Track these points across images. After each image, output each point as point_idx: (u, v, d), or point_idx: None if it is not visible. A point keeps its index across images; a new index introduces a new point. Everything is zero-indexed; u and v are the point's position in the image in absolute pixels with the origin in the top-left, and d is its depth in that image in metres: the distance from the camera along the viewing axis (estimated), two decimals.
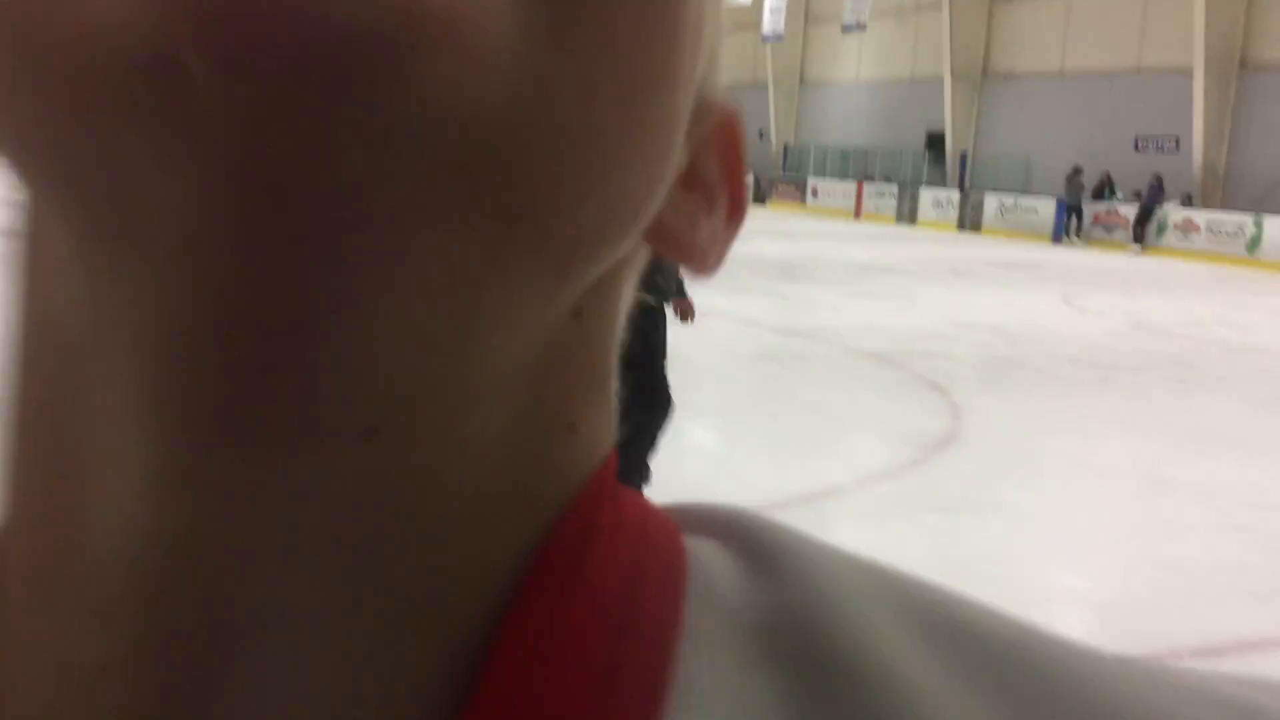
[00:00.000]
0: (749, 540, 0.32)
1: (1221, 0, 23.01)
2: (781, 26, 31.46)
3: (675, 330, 9.89)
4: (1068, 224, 23.93)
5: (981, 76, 29.60)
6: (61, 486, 0.24)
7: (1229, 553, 4.59)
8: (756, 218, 27.92)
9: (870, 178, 30.61)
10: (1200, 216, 21.91)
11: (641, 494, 0.30)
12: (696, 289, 12.68)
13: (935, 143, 30.26)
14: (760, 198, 34.07)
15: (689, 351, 8.66)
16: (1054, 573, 4.40)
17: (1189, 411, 7.52)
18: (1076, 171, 23.85)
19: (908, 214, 28.31)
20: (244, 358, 0.21)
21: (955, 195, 27.30)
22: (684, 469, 5.36)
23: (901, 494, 5.25)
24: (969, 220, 26.59)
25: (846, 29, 28.84)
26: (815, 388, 7.57)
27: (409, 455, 0.23)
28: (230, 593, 0.23)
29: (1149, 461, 6.00)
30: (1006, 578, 4.21)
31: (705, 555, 0.30)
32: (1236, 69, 23.48)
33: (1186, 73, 23.67)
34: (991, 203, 26.28)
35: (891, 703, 0.26)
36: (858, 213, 29.75)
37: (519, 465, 0.26)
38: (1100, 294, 14.47)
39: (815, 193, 31.77)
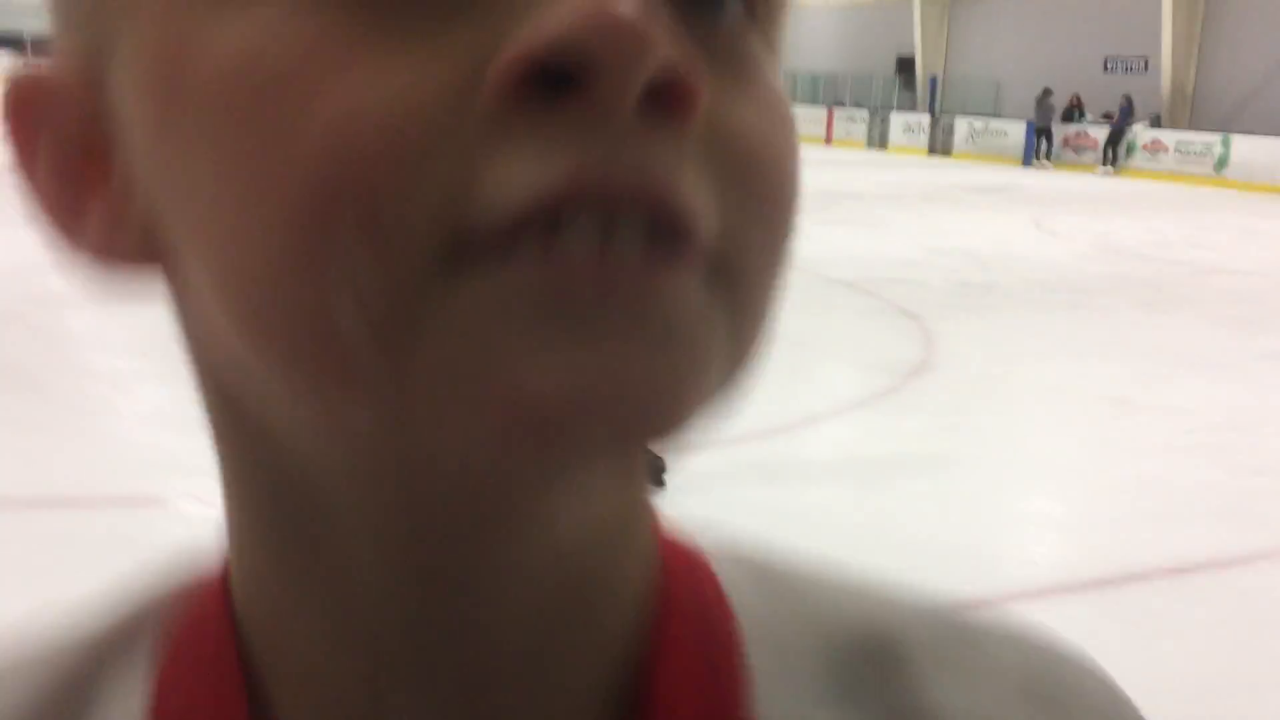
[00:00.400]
0: (765, 568, 0.38)
1: None
2: None
3: None
4: (1038, 147, 23.94)
5: None
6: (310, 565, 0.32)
7: (1197, 473, 4.70)
8: None
9: (841, 103, 30.43)
10: (1168, 137, 21.98)
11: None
12: None
13: (905, 67, 30.08)
14: None
15: None
16: (1027, 497, 4.50)
17: (1157, 333, 7.63)
18: (1046, 94, 23.81)
19: (878, 139, 28.22)
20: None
21: (926, 120, 27.22)
22: None
23: (876, 422, 5.33)
24: (940, 144, 26.55)
25: None
26: (790, 317, 7.52)
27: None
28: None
29: (1119, 384, 6.11)
30: (979, 502, 4.31)
31: (735, 585, 0.36)
32: None
33: None
34: (962, 126, 26.23)
35: None
36: (828, 138, 29.61)
37: (625, 548, 0.34)
38: (1070, 217, 14.55)
39: None
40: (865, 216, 13.41)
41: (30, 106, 0.30)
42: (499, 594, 0.31)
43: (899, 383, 5.95)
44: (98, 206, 0.30)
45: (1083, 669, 0.39)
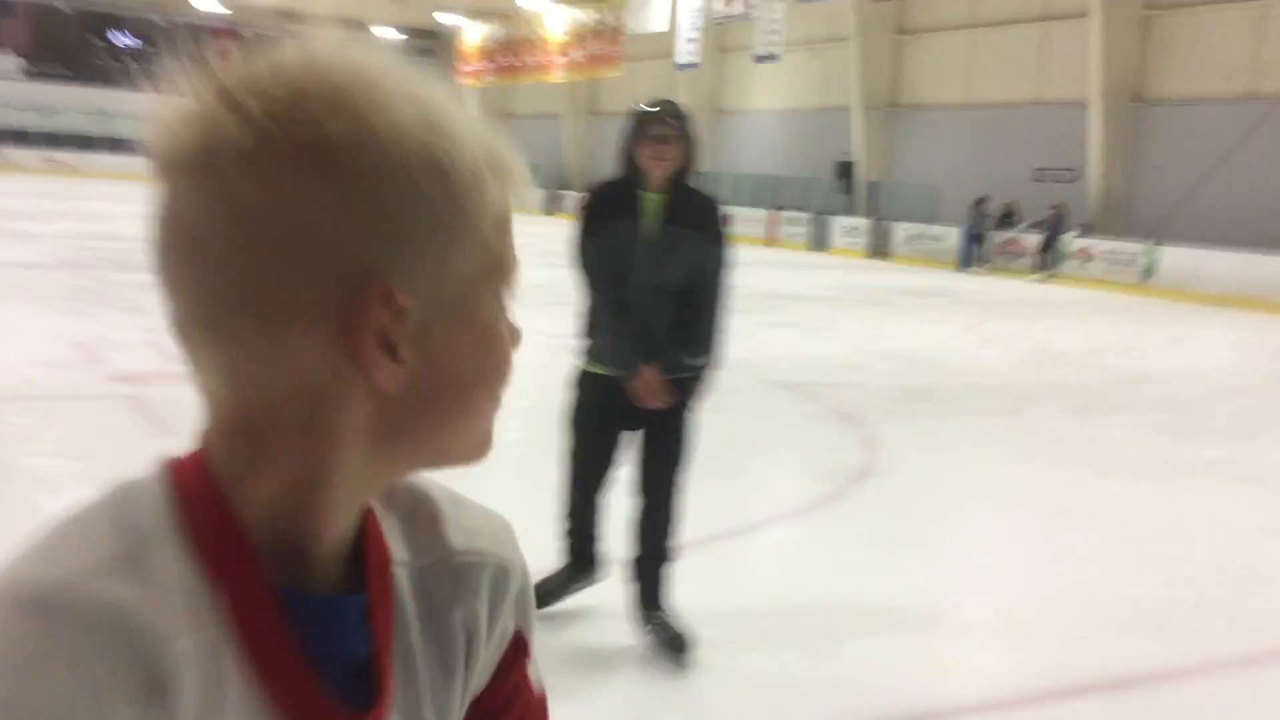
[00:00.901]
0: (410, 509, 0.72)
1: (1115, 37, 23.88)
2: (697, 56, 31.80)
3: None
4: (973, 252, 24.55)
5: (889, 107, 30.27)
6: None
7: (1133, 584, 4.76)
8: None
9: (783, 206, 31.04)
10: (1098, 245, 22.65)
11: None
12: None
13: (845, 172, 30.81)
14: None
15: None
16: (966, 606, 4.52)
17: (1092, 440, 7.78)
18: (980, 201, 24.51)
19: (819, 242, 28.76)
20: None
21: (865, 224, 27.83)
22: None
23: (819, 530, 5.35)
24: (879, 248, 27.12)
25: (759, 59, 29.27)
26: (734, 420, 7.66)
27: None
28: None
29: (1055, 492, 6.20)
30: (920, 611, 4.32)
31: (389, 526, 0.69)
32: (1130, 103, 24.37)
33: (1083, 106, 24.51)
34: (900, 231, 26.85)
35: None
36: (770, 240, 30.14)
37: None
38: (1006, 323, 14.87)
39: (729, 220, 32.02)
40: (808, 319, 13.60)
41: (384, 317, 0.58)
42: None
43: (841, 489, 5.98)
44: (391, 366, 0.59)
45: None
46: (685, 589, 4.28)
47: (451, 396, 0.62)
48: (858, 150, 30.13)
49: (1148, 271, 21.28)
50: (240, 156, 0.55)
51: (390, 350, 0.58)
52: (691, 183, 3.52)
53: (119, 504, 0.59)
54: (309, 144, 0.55)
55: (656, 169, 3.45)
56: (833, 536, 5.23)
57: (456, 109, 0.62)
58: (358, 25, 47.84)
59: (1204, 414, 9.06)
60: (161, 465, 0.61)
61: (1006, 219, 24.83)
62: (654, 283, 3.48)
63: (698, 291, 3.51)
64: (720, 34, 34.59)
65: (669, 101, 3.55)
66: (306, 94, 0.56)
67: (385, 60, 0.60)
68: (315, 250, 0.55)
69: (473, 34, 43.82)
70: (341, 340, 0.57)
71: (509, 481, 5.62)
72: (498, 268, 0.64)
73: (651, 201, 3.49)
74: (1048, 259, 23.07)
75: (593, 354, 3.61)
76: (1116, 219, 24.50)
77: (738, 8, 29.65)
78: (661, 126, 3.44)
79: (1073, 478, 6.55)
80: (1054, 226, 23.10)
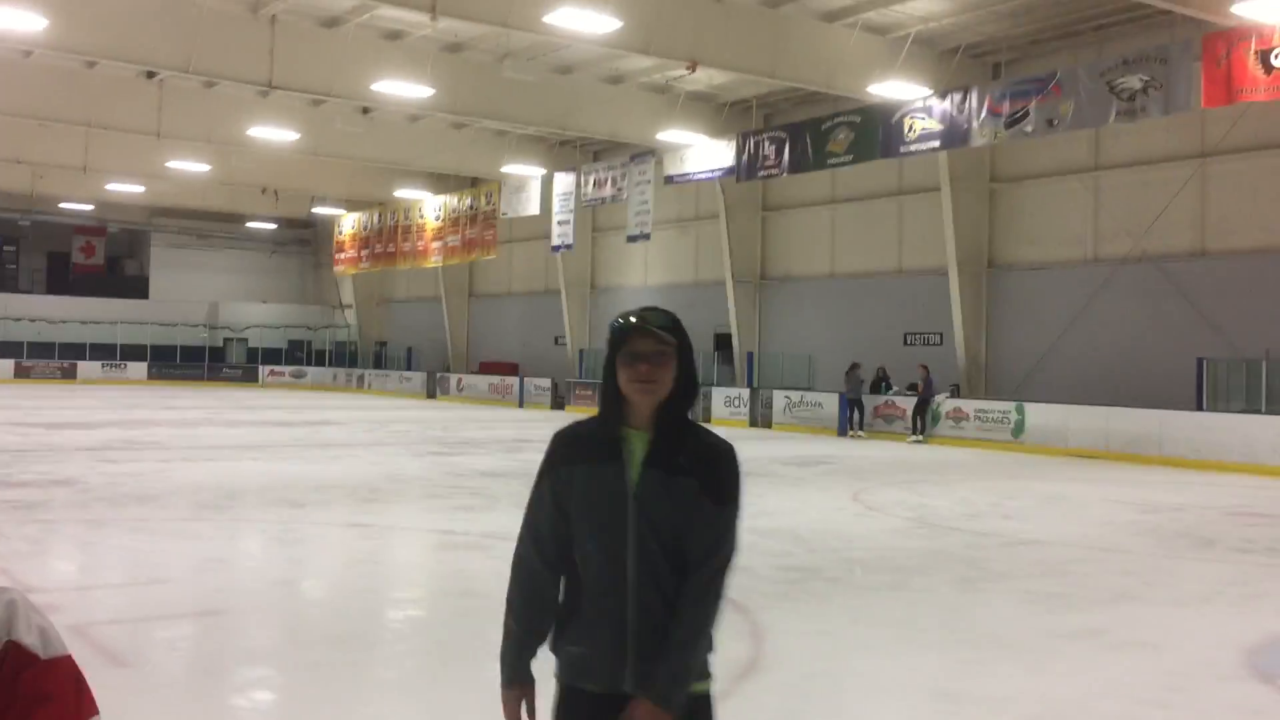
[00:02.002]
0: None
1: (966, 208, 25.26)
2: (570, 238, 32.55)
3: (474, 561, 9.65)
4: (851, 417, 25.10)
5: (760, 280, 31.26)
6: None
7: None
8: (556, 422, 27.96)
9: None
10: (969, 405, 23.39)
11: None
12: (499, 512, 12.24)
13: (723, 343, 31.49)
14: (559, 403, 34.42)
15: (488, 585, 8.48)
16: None
17: (974, 614, 7.80)
18: (854, 367, 25.21)
19: (701, 413, 29.06)
20: None
21: (745, 393, 28.32)
22: None
23: None
24: (760, 417, 27.55)
25: (631, 239, 30.08)
26: None
27: None
28: None
29: (941, 675, 6.16)
30: None
31: None
32: (986, 269, 25.63)
33: (943, 273, 25.67)
34: (780, 399, 27.36)
35: None
36: None
37: None
38: (886, 490, 15.09)
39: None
40: None
41: None
42: None
43: (730, 688, 5.83)
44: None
45: None
46: None
47: None
48: (733, 322, 30.89)
49: (1017, 429, 21.99)
50: None
51: None
52: (689, 416, 2.61)
53: None
54: None
55: (643, 399, 2.53)
56: None
57: None
58: (234, 219, 47.97)
59: (1082, 576, 9.21)
60: None
61: (880, 383, 25.54)
62: (640, 556, 2.51)
63: (692, 569, 2.52)
64: (593, 215, 35.57)
65: (655, 309, 2.60)
66: None
67: None
68: None
69: (348, 223, 44.20)
70: None
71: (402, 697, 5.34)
72: None
73: (638, 441, 2.55)
74: (922, 421, 23.70)
75: (570, 662, 2.61)
76: (982, 379, 25.43)
77: (608, 190, 30.58)
78: (646, 340, 2.52)
79: (957, 658, 6.52)
80: (925, 389, 23.83)
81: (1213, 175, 21.93)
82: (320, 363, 49.38)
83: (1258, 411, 19.41)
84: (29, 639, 1.61)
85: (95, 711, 1.67)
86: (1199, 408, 19.92)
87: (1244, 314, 21.13)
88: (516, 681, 2.62)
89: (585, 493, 2.54)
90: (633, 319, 2.55)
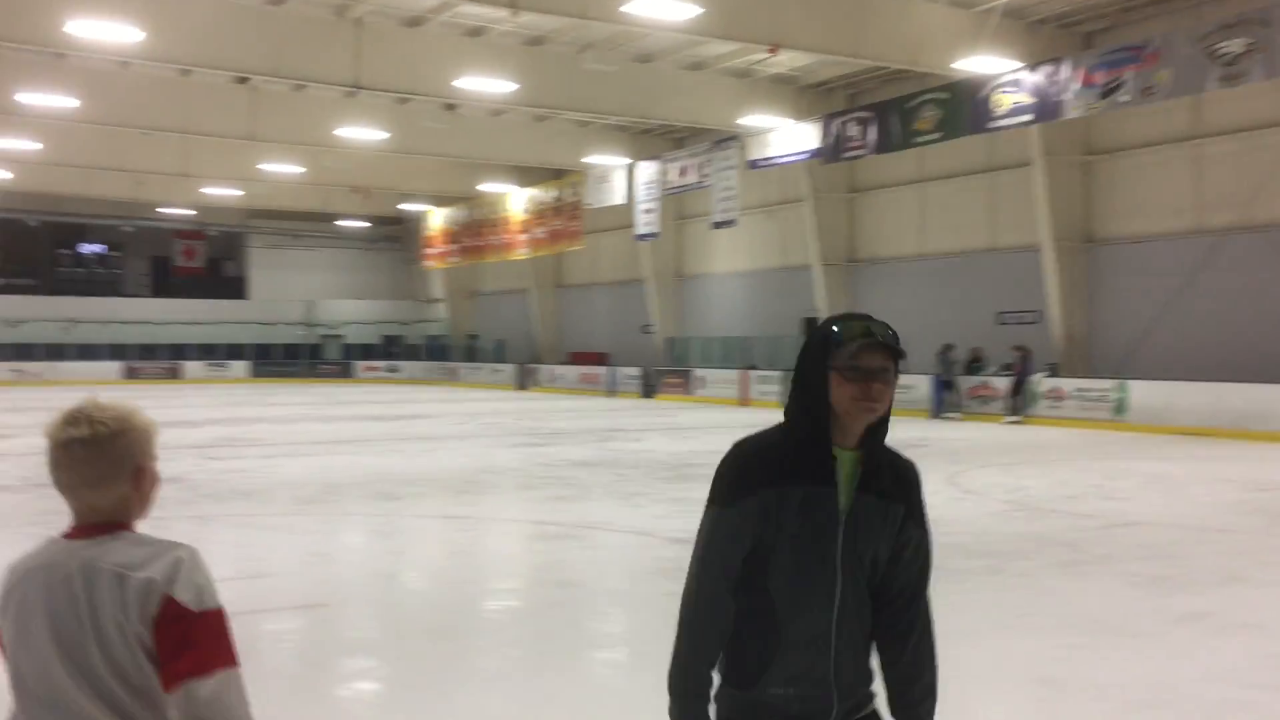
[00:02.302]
0: None
1: (1059, 182, 24.65)
2: (656, 226, 32.57)
3: (569, 552, 9.77)
4: (944, 399, 24.72)
5: (848, 262, 30.92)
6: None
7: None
8: (647, 411, 28.23)
9: (753, 365, 31.31)
10: (1068, 384, 22.86)
11: None
12: (592, 502, 12.48)
13: (812, 328, 31.16)
14: (649, 391, 34.50)
15: (584, 574, 8.56)
16: None
17: (1076, 598, 7.64)
18: (947, 348, 24.81)
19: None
20: None
21: None
22: (584, 713, 5.19)
23: None
24: None
25: (716, 225, 29.98)
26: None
27: None
28: None
29: (1043, 661, 6.04)
30: None
31: None
32: (1082, 244, 25.00)
33: (1036, 249, 25.10)
34: None
35: None
36: (744, 400, 30.29)
37: None
38: (982, 472, 14.83)
39: (702, 383, 32.34)
40: None
41: None
42: None
43: None
44: None
45: None
46: None
47: None
48: (821, 306, 30.62)
49: (1119, 407, 21.44)
50: None
51: None
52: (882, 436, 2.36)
53: None
54: None
55: (861, 418, 2.27)
56: None
57: None
58: (326, 218, 48.98)
59: (1188, 558, 8.96)
60: None
61: (974, 364, 25.10)
62: (846, 586, 2.29)
63: (903, 601, 2.36)
64: (677, 203, 35.52)
65: (881, 323, 2.32)
66: None
67: None
68: None
69: (436, 218, 44.81)
70: None
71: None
72: None
73: (847, 463, 2.30)
74: (1019, 401, 23.24)
75: (771, 707, 2.31)
76: (1082, 357, 24.82)
77: (692, 177, 30.51)
78: (877, 356, 2.26)
79: (1059, 642, 6.39)
80: (1022, 369, 23.36)
81: None
82: (413, 357, 50.19)
83: None
84: (184, 595, 1.92)
85: (234, 663, 1.94)
86: None
87: None
88: None
89: (798, 518, 2.24)
90: (863, 330, 2.27)
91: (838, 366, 2.24)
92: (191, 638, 1.89)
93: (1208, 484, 13.52)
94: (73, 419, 1.97)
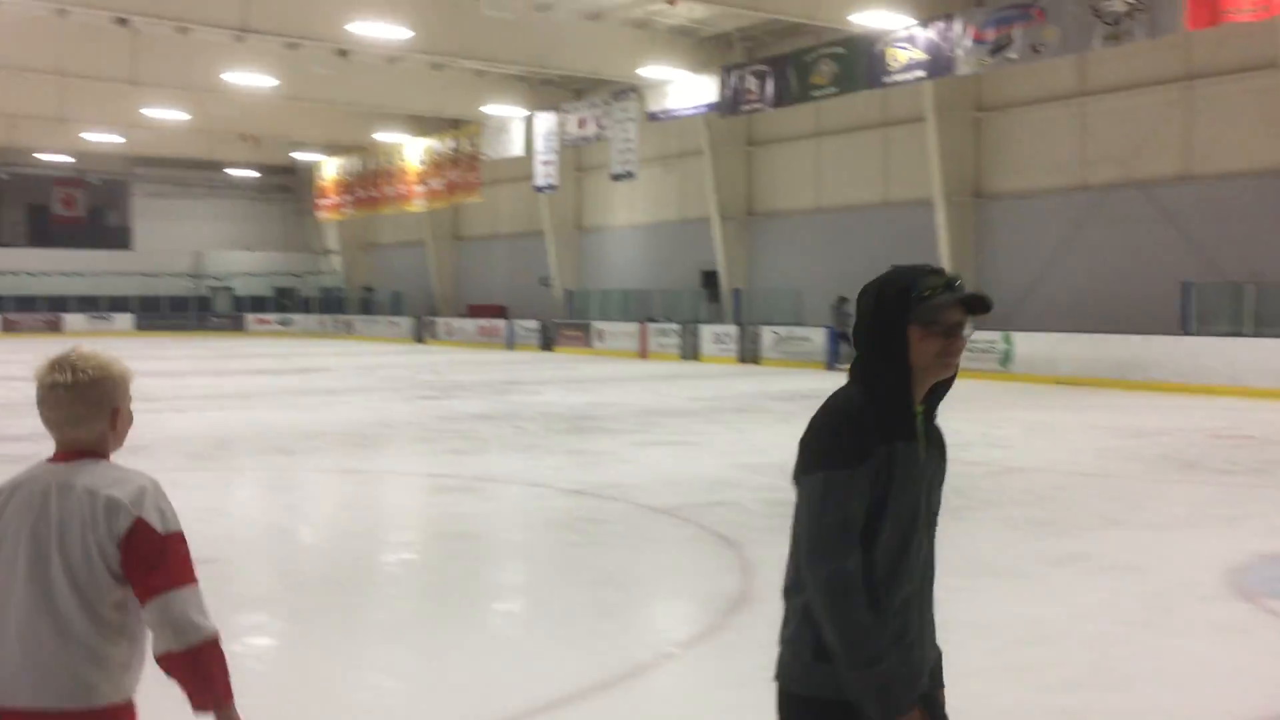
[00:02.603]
0: None
1: (951, 138, 25.12)
2: (555, 178, 32.33)
3: (466, 504, 9.73)
4: (839, 350, 25.14)
5: (746, 216, 31.14)
6: None
7: (1008, 695, 4.78)
8: (545, 364, 28.18)
9: (652, 318, 31.44)
10: None
11: None
12: (490, 454, 12.44)
13: (710, 281, 31.46)
14: (548, 344, 34.42)
15: (481, 527, 8.55)
16: None
17: (961, 542, 7.88)
18: (842, 301, 25.23)
19: (690, 351, 29.14)
20: None
21: (733, 330, 28.34)
22: (486, 665, 5.21)
23: (700, 668, 5.26)
24: (748, 353, 27.59)
25: (615, 177, 29.89)
26: (609, 555, 7.57)
27: None
28: None
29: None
30: None
31: None
32: (971, 199, 25.56)
33: (929, 204, 25.60)
34: (767, 335, 27.40)
35: None
36: (643, 353, 30.43)
37: None
38: None
39: (601, 336, 32.37)
40: (681, 435, 13.65)
41: None
42: None
43: (720, 620, 5.92)
44: None
45: None
46: None
47: None
48: (720, 259, 30.82)
49: (1005, 359, 22.07)
50: None
51: None
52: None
53: None
54: None
55: (938, 374, 2.24)
56: (715, 674, 5.14)
57: None
58: (214, 167, 47.51)
59: (1068, 503, 9.31)
60: None
61: None
62: (927, 540, 2.27)
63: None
64: (576, 155, 35.31)
65: (956, 275, 2.24)
66: None
67: None
68: None
69: (329, 168, 43.81)
70: None
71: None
72: None
73: (920, 418, 2.26)
74: None
75: (880, 673, 2.12)
76: None
77: (591, 129, 30.33)
78: (958, 311, 2.19)
79: (945, 585, 6.58)
80: None
81: (1198, 99, 21.81)
82: (307, 310, 49.24)
83: (1242, 334, 19.52)
84: (152, 518, 2.21)
85: (196, 579, 2.26)
86: (1185, 332, 20.02)
87: (1229, 237, 21.15)
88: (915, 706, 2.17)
89: (897, 476, 2.17)
90: (946, 283, 2.17)
91: (921, 321, 2.16)
92: (161, 556, 2.19)
93: (1087, 431, 14.03)
94: (58, 365, 2.29)
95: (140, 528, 2.19)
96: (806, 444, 2.19)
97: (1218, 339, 19.59)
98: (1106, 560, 7.21)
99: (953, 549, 7.60)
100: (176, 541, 2.24)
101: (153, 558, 2.19)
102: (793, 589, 2.22)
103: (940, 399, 2.28)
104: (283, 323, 48.28)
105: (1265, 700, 4.74)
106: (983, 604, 6.18)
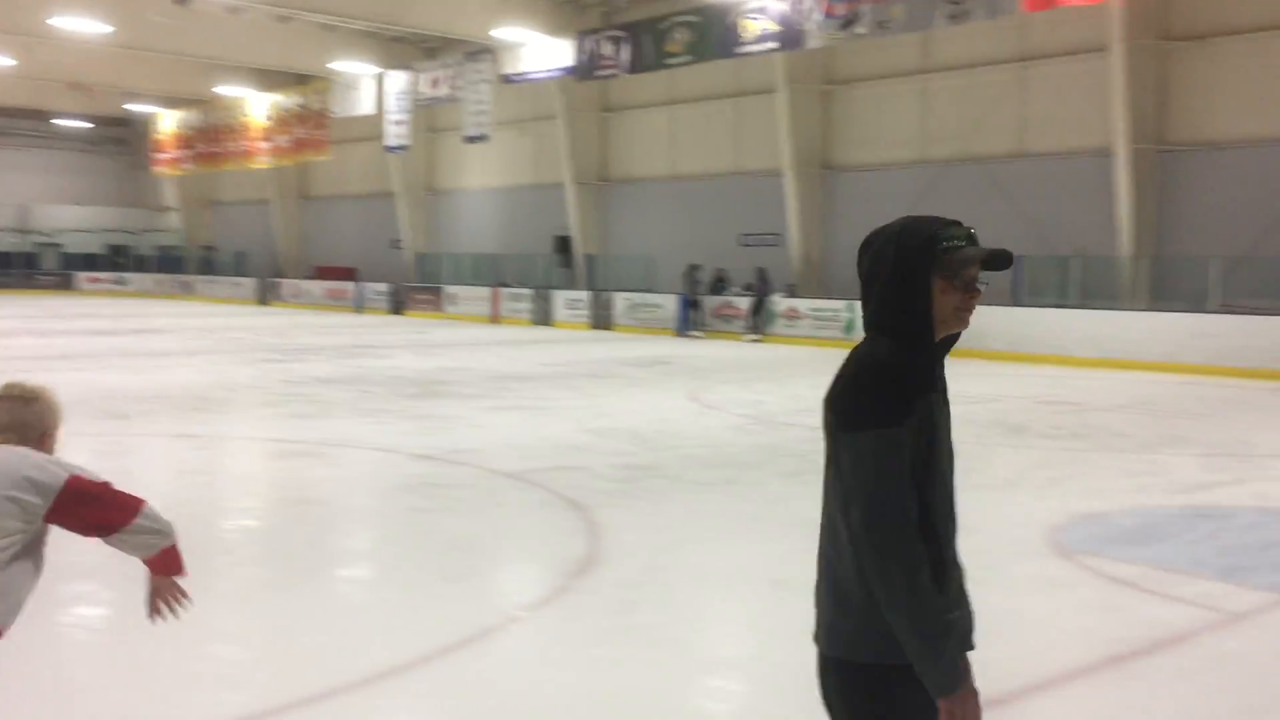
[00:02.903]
0: None
1: (801, 110, 25.61)
2: (407, 138, 31.69)
3: (311, 470, 9.54)
4: (689, 318, 25.48)
5: (600, 182, 31.15)
6: None
7: None
8: (395, 328, 27.71)
9: (505, 283, 31.22)
10: (803, 305, 24.02)
11: None
12: (335, 419, 12.23)
13: (564, 246, 31.40)
14: (398, 308, 33.85)
15: (326, 492, 8.40)
16: (695, 695, 4.57)
17: (802, 504, 8.12)
18: (693, 268, 25.52)
19: (543, 316, 29.07)
20: None
21: (586, 296, 28.37)
22: (331, 632, 5.15)
23: (549, 629, 5.31)
24: (601, 319, 27.68)
25: (468, 139, 29.49)
26: (458, 520, 7.54)
27: None
28: None
29: (773, 563, 6.43)
30: (652, 706, 4.34)
31: None
32: (820, 170, 26.14)
33: (779, 174, 26.07)
34: (620, 301, 27.53)
35: None
36: (495, 318, 30.21)
37: None
38: (723, 388, 15.46)
39: (454, 300, 32.00)
40: (532, 400, 13.65)
41: None
42: None
43: (568, 582, 5.98)
44: None
45: None
46: (424, 712, 4.15)
47: None
48: (574, 224, 30.77)
49: (849, 326, 22.70)
50: None
51: None
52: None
53: None
54: None
55: (955, 328, 2.20)
56: (565, 634, 5.20)
57: None
58: (39, 116, 44.93)
59: None
60: None
61: (719, 284, 25.93)
62: (953, 491, 2.25)
63: None
64: (429, 116, 34.66)
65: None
66: None
67: None
68: None
69: (168, 121, 41.97)
70: None
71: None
72: None
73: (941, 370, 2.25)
74: (758, 321, 24.24)
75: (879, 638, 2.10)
76: (817, 279, 26.10)
77: (444, 90, 29.81)
78: (977, 268, 2.17)
79: (788, 546, 6.82)
80: (761, 289, 24.34)
81: (1033, 79, 22.75)
82: (143, 269, 47.17)
83: (1068, 306, 20.54)
84: (81, 474, 2.83)
85: (142, 503, 2.98)
86: (1016, 303, 20.94)
87: (1058, 213, 22.19)
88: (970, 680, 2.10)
89: (939, 426, 2.15)
90: (968, 236, 2.14)
91: (944, 274, 2.12)
92: (103, 502, 2.90)
93: None
94: (7, 387, 2.91)
95: (74, 481, 2.87)
96: (849, 402, 2.11)
97: (1046, 310, 20.57)
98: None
99: (796, 510, 7.85)
100: (110, 490, 2.99)
101: (96, 503, 2.95)
102: (835, 551, 2.14)
103: (947, 352, 2.24)
104: (117, 282, 46.17)
105: (1083, 650, 5.05)
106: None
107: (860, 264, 2.23)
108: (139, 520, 2.90)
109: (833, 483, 2.15)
